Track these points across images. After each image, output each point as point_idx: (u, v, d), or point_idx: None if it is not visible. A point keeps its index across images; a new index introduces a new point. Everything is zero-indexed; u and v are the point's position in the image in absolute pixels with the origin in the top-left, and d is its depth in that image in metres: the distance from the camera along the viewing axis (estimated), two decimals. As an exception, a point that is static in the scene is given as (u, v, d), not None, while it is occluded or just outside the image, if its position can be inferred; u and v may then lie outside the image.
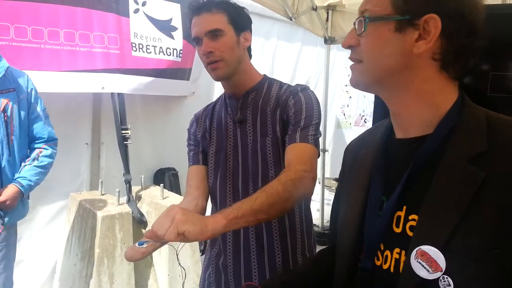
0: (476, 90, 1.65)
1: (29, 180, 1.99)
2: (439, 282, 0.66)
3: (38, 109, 2.06)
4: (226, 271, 1.37)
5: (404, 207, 0.74)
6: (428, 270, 0.67)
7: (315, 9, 3.68)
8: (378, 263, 0.77)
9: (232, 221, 0.94)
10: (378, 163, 0.82)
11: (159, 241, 1.08)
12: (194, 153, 1.45)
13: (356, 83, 0.80)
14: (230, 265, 1.36)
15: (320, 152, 5.49)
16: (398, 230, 0.74)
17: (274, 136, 1.30)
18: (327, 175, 4.81)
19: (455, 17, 0.70)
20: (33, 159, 2.03)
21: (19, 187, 1.95)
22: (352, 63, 0.80)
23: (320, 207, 4.66)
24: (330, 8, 3.86)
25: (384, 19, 0.72)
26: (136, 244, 1.10)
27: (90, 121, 3.01)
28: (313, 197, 5.00)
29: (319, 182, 4.70)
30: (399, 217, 0.75)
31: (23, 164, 2.01)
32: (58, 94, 2.59)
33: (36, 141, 2.08)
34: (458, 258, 0.65)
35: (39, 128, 2.07)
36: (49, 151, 2.10)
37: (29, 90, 2.01)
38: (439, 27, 0.69)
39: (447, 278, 0.65)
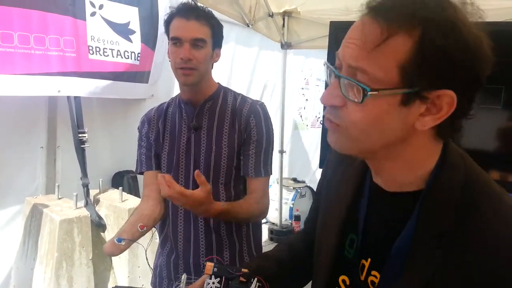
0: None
1: None
2: None
3: None
4: (177, 267, 1.46)
5: (369, 259, 0.73)
6: None
7: (271, 15, 3.81)
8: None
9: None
10: (356, 201, 0.78)
11: (133, 239, 1.22)
12: (147, 158, 1.49)
13: (339, 148, 0.68)
14: (181, 261, 1.45)
15: (278, 153, 5.58)
16: (362, 278, 0.74)
17: (230, 148, 1.38)
18: (285, 175, 4.96)
19: (469, 89, 0.59)
20: None
21: None
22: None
23: (279, 206, 4.80)
24: (286, 14, 4.01)
25: (389, 92, 0.58)
26: (115, 240, 1.21)
27: (45, 125, 2.96)
28: (271, 197, 5.14)
29: (277, 182, 4.84)
30: (363, 265, 0.74)
31: None
32: (12, 98, 2.54)
33: None
34: None
35: None
36: None
37: None
38: (454, 105, 0.58)
39: None
